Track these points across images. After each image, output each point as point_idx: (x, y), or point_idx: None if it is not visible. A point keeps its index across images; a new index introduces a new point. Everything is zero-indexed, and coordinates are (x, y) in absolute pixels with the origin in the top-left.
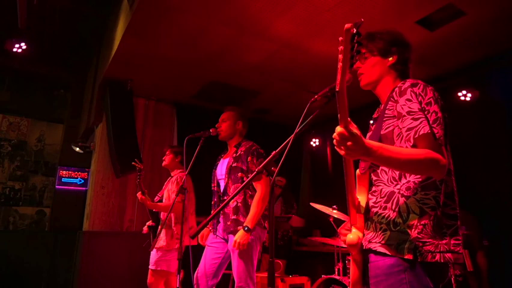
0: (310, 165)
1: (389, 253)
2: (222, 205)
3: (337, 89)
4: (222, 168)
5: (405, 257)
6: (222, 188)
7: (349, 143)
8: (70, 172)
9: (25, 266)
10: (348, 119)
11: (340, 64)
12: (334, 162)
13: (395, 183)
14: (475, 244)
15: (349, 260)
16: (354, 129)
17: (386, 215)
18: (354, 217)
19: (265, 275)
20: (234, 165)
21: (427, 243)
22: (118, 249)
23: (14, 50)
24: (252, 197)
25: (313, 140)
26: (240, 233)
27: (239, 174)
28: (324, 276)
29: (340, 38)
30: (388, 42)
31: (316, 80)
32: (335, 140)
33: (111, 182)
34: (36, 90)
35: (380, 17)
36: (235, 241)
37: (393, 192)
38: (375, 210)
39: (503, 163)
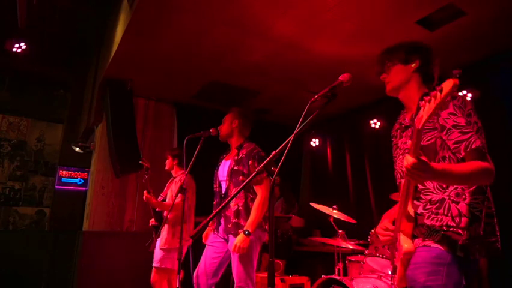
0: (310, 165)
1: (442, 248)
2: (218, 208)
3: (419, 127)
4: (223, 170)
5: (458, 254)
6: (223, 190)
7: (421, 173)
8: (69, 172)
9: (25, 266)
10: (420, 150)
11: (429, 105)
12: (334, 162)
13: (443, 190)
14: None
15: (349, 261)
16: (423, 157)
17: (439, 219)
18: (404, 225)
19: (265, 275)
20: (235, 168)
21: (476, 243)
22: (118, 249)
23: (14, 50)
24: (253, 200)
25: (313, 140)
26: (240, 236)
27: (240, 177)
28: (324, 276)
29: (437, 88)
30: (407, 50)
31: (316, 80)
32: (406, 170)
33: (111, 182)
34: (36, 90)
35: (380, 17)
36: (235, 245)
37: (443, 199)
38: (427, 215)
39: (503, 163)
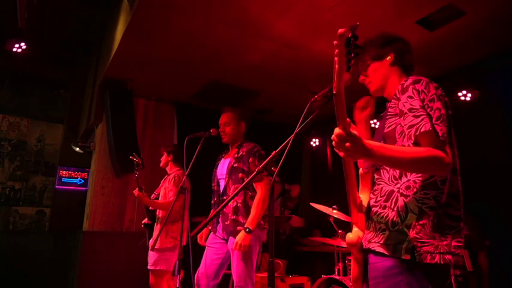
0: (310, 165)
1: (387, 253)
2: (221, 206)
3: (334, 92)
4: (222, 168)
5: (403, 257)
6: (221, 188)
7: (348, 144)
8: (70, 172)
9: (25, 266)
10: (347, 119)
11: (336, 67)
12: (334, 162)
13: (395, 182)
14: (476, 244)
15: (349, 260)
16: (353, 130)
17: (385, 215)
18: (355, 216)
19: (265, 275)
20: (235, 165)
21: (426, 244)
22: (118, 249)
23: (14, 50)
24: (252, 198)
25: (313, 140)
26: (241, 234)
27: (240, 174)
28: (324, 276)
29: (334, 42)
30: (379, 46)
31: (316, 80)
32: (333, 142)
33: (111, 182)
34: (36, 90)
35: (380, 17)
36: (237, 243)
37: (392, 191)
38: (375, 209)
39: (503, 163)
